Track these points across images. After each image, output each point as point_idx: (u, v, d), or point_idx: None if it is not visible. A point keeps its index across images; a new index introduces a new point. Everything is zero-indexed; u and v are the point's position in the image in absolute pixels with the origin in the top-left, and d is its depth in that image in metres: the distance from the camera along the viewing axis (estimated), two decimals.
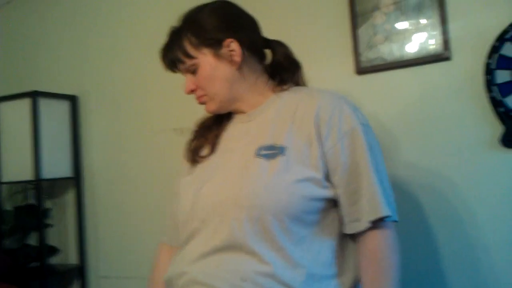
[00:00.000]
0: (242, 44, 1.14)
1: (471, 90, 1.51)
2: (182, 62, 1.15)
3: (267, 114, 1.16)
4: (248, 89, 1.18)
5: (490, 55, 1.46)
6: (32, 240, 2.26)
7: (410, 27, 1.56)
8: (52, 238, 2.30)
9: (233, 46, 1.13)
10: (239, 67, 1.15)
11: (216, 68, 1.14)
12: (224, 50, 1.13)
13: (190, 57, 1.14)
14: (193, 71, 1.16)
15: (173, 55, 1.16)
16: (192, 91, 1.19)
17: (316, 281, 1.02)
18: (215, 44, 1.13)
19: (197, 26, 1.14)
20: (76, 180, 2.21)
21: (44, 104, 2.08)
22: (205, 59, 1.13)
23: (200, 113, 1.30)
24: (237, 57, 1.13)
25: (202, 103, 1.21)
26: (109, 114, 2.18)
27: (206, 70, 1.14)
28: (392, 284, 1.02)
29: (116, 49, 2.17)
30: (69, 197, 2.26)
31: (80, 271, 2.19)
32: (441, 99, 1.54)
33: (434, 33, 1.53)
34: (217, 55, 1.13)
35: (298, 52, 1.29)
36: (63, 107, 2.19)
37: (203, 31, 1.13)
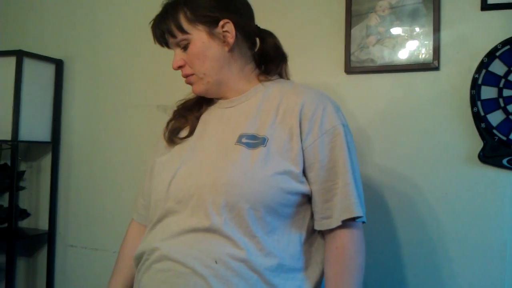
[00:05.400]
0: (236, 26, 1.14)
1: (455, 102, 1.52)
2: (174, 36, 1.14)
3: (251, 102, 1.16)
4: (236, 74, 1.18)
5: (478, 70, 1.48)
6: (3, 201, 2.24)
7: (403, 33, 1.57)
8: (24, 201, 2.28)
9: (228, 27, 1.13)
10: (231, 50, 1.15)
11: (208, 46, 1.13)
12: (218, 30, 1.13)
13: (183, 31, 1.13)
14: (183, 46, 1.15)
15: (165, 27, 1.15)
16: (179, 67, 1.18)
17: (284, 271, 1.04)
18: (211, 22, 1.12)
19: (195, 1, 1.13)
20: (53, 145, 2.18)
21: (29, 65, 2.04)
22: (198, 35, 1.13)
23: (185, 92, 1.29)
24: (231, 39, 1.13)
25: (189, 83, 1.20)
26: (94, 83, 2.15)
27: (198, 47, 1.13)
28: (356, 283, 1.04)
29: (106, 18, 2.14)
30: (45, 162, 2.24)
31: (48, 237, 2.17)
32: (424, 108, 1.56)
33: (426, 42, 1.54)
34: (211, 34, 1.13)
35: (291, 44, 1.30)
36: (48, 70, 2.15)
37: (201, 7, 1.12)
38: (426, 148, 1.55)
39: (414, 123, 1.57)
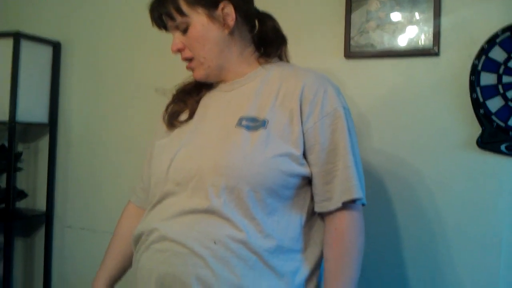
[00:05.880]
0: (236, 9, 1.13)
1: (454, 88, 1.52)
2: (173, 19, 1.13)
3: (251, 85, 1.16)
4: (236, 58, 1.17)
5: (477, 56, 1.48)
6: (1, 182, 2.24)
7: (403, 19, 1.56)
8: (21, 182, 2.29)
9: (228, 10, 1.12)
10: (231, 33, 1.14)
11: (208, 29, 1.12)
12: (218, 12, 1.12)
13: (183, 14, 1.11)
14: (183, 29, 1.14)
15: (164, 10, 1.13)
16: (179, 50, 1.17)
17: (283, 253, 1.05)
18: (210, 4, 1.11)
19: None
20: (51, 126, 2.18)
21: (26, 47, 2.03)
22: (198, 18, 1.12)
23: (184, 76, 1.29)
24: (231, 21, 1.12)
25: (190, 69, 1.20)
26: (91, 66, 2.14)
27: (198, 30, 1.12)
28: (355, 264, 1.06)
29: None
30: (42, 143, 2.23)
31: (46, 218, 2.18)
32: (423, 94, 1.56)
33: (426, 27, 1.53)
34: (211, 17, 1.12)
35: (291, 28, 1.29)
36: (46, 52, 2.14)
37: None
38: (425, 134, 1.56)
39: (413, 108, 1.57)
